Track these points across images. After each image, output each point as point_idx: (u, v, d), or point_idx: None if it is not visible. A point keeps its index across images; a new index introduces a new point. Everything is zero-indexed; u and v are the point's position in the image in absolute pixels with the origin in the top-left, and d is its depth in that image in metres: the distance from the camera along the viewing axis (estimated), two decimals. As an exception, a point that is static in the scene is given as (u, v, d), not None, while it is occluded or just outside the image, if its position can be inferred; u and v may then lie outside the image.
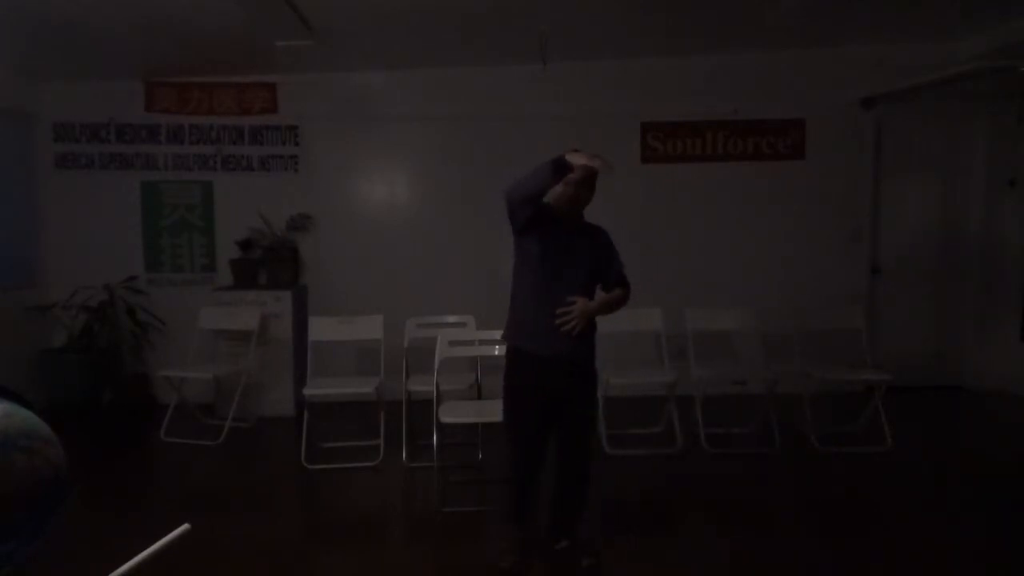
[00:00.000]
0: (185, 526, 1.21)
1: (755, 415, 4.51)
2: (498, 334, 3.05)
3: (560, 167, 2.45)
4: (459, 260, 5.49)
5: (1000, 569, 2.89)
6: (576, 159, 2.44)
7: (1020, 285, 5.39)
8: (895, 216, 5.64)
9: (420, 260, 5.48)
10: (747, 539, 3.18)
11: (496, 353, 3.35)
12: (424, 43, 4.95)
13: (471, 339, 3.76)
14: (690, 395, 4.39)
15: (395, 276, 5.46)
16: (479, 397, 4.03)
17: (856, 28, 4.94)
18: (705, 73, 5.42)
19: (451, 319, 4.43)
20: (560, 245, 2.67)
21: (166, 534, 1.18)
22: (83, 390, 5.23)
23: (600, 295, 2.82)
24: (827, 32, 4.99)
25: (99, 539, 2.85)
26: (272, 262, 5.43)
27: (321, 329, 4.49)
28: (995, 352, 5.54)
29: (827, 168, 5.52)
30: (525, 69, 5.15)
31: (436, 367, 3.61)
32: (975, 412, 5.22)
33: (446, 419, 3.44)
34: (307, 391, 4.17)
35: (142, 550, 1.14)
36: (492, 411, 3.08)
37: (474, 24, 4.52)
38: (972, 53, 4.97)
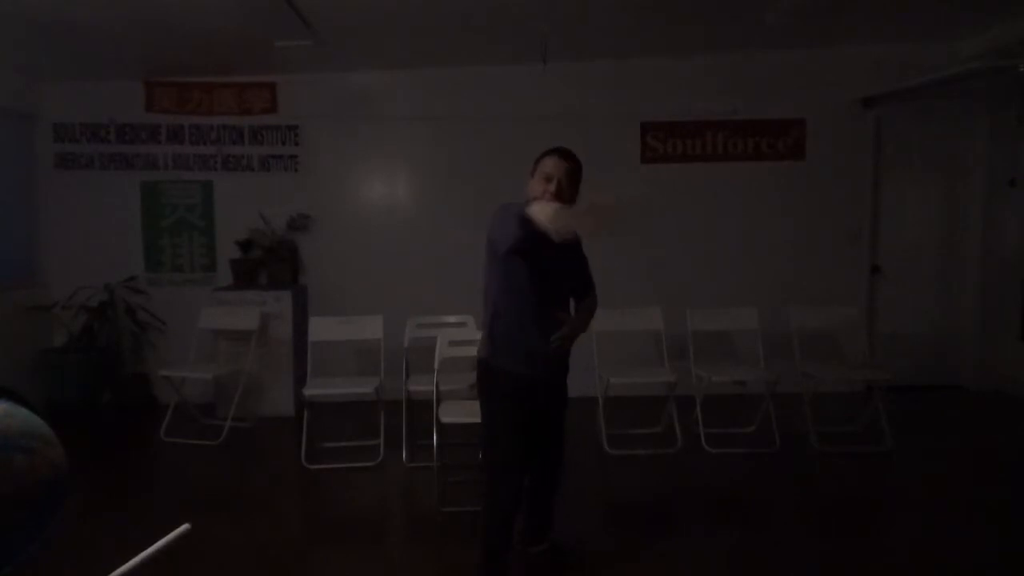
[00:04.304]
0: (185, 526, 1.21)
1: (755, 415, 4.51)
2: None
3: (524, 222, 2.15)
4: (459, 260, 5.48)
5: (1000, 569, 2.89)
6: (537, 214, 2.08)
7: (1020, 285, 5.39)
8: (895, 216, 5.64)
9: (420, 260, 5.48)
10: (747, 539, 3.18)
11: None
12: (424, 43, 4.95)
13: (471, 339, 3.75)
14: (690, 395, 4.39)
15: (395, 276, 5.46)
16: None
17: (856, 28, 4.94)
18: (705, 73, 5.42)
19: (451, 319, 4.44)
20: (548, 262, 2.48)
21: (166, 534, 1.19)
22: (83, 390, 5.23)
23: (576, 308, 2.74)
24: (827, 32, 4.98)
25: (99, 539, 2.85)
26: (272, 262, 5.43)
27: (321, 329, 4.49)
28: (995, 352, 5.54)
29: (827, 168, 5.51)
30: (525, 69, 5.16)
31: (436, 367, 3.61)
32: (975, 412, 5.22)
33: (446, 419, 3.44)
34: (307, 391, 4.18)
35: (142, 550, 1.14)
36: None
37: (474, 24, 4.52)
38: (972, 53, 4.97)
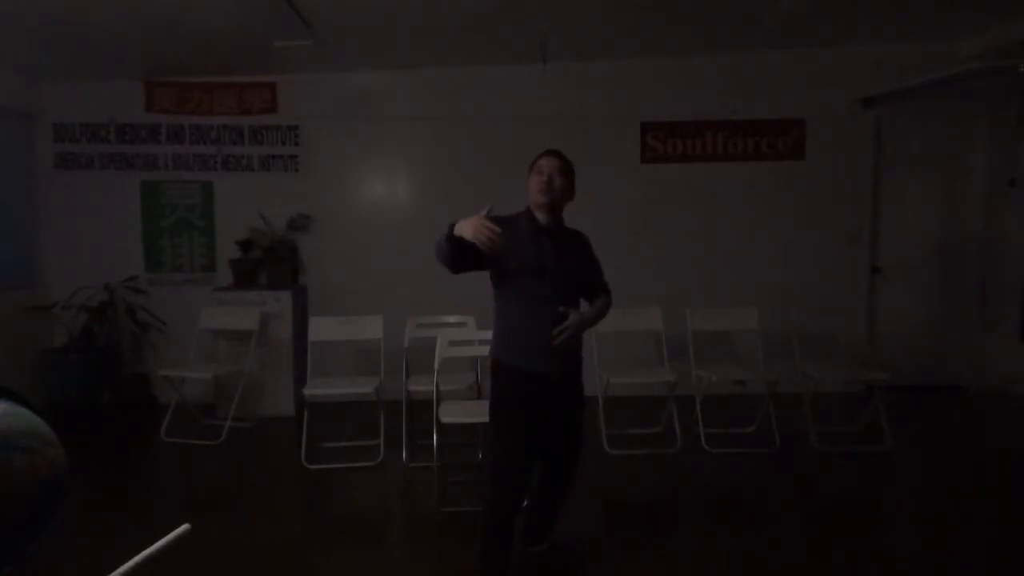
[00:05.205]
0: (185, 526, 1.21)
1: (755, 415, 4.52)
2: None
3: (450, 238, 2.38)
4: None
5: (1000, 569, 2.90)
6: (462, 229, 2.34)
7: (1020, 285, 5.39)
8: (895, 216, 5.64)
9: (420, 260, 5.43)
10: (747, 539, 3.18)
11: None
12: (424, 43, 4.95)
13: (471, 339, 3.76)
14: (690, 395, 4.40)
15: (395, 276, 5.46)
16: (479, 397, 4.03)
17: (856, 28, 4.94)
18: (705, 73, 5.42)
19: (451, 319, 4.44)
20: (539, 254, 2.54)
21: (166, 534, 1.19)
22: (83, 390, 5.23)
23: (586, 305, 2.74)
24: (827, 32, 4.99)
25: (99, 539, 2.85)
26: (272, 262, 5.43)
27: (321, 329, 4.49)
28: (995, 352, 5.54)
29: (827, 168, 5.52)
30: (525, 69, 5.16)
31: (436, 367, 3.61)
32: (975, 412, 5.22)
33: (446, 419, 3.44)
34: (307, 391, 4.18)
35: (142, 550, 1.14)
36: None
37: (474, 24, 4.52)
38: (972, 53, 4.98)
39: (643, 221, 5.54)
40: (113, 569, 1.11)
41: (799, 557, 2.99)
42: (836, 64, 5.38)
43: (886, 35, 5.09)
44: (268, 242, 5.43)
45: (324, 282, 5.58)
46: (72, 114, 5.52)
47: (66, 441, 1.01)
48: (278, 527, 3.45)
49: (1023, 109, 5.25)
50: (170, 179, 5.60)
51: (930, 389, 5.51)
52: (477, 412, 3.62)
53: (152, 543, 1.15)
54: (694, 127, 5.55)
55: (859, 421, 4.55)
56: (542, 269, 2.55)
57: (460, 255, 2.41)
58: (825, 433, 4.26)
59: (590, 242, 2.79)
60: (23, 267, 5.47)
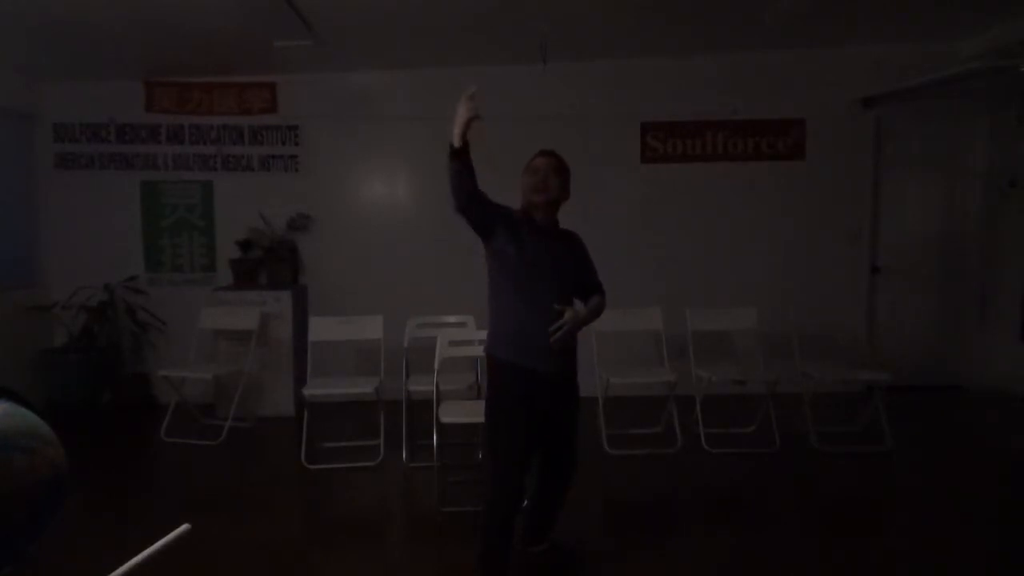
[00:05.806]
0: (185, 526, 1.21)
1: (755, 415, 4.52)
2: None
3: (451, 149, 2.56)
4: (459, 260, 5.48)
5: (1000, 569, 2.90)
6: (454, 127, 2.58)
7: (1020, 285, 5.39)
8: (895, 216, 5.63)
9: (420, 260, 5.48)
10: (747, 539, 3.18)
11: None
12: (424, 43, 4.95)
13: (471, 339, 3.76)
14: (690, 395, 4.40)
15: (395, 276, 5.46)
16: (479, 397, 4.03)
17: (856, 28, 4.94)
18: (705, 73, 5.42)
19: (451, 319, 4.44)
20: (536, 252, 2.57)
21: (166, 534, 1.19)
22: (83, 390, 5.23)
23: (581, 305, 2.74)
24: (827, 32, 4.99)
25: (99, 539, 2.85)
26: (272, 262, 5.43)
27: (321, 329, 4.49)
28: (995, 352, 5.54)
29: (827, 168, 5.51)
30: (525, 69, 5.16)
31: (436, 367, 3.61)
32: (975, 412, 5.22)
33: (446, 419, 3.45)
34: (307, 391, 4.18)
35: (142, 550, 1.14)
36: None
37: (474, 24, 4.52)
38: (972, 53, 4.98)
39: (643, 221, 5.54)
40: (113, 569, 1.11)
41: (799, 557, 2.99)
42: (836, 64, 5.38)
43: (886, 35, 5.09)
44: (268, 242, 5.43)
45: (324, 282, 5.58)
46: (72, 114, 5.52)
47: (66, 441, 1.01)
48: (278, 527, 3.45)
49: (1023, 109, 5.26)
50: (170, 179, 5.60)
51: (930, 389, 5.51)
52: (477, 412, 3.60)
53: (152, 543, 1.15)
54: (694, 127, 5.55)
55: (859, 421, 4.55)
56: (541, 268, 2.57)
57: (471, 173, 2.61)
58: (825, 433, 4.26)
59: (583, 242, 2.81)
60: (23, 267, 5.47)
